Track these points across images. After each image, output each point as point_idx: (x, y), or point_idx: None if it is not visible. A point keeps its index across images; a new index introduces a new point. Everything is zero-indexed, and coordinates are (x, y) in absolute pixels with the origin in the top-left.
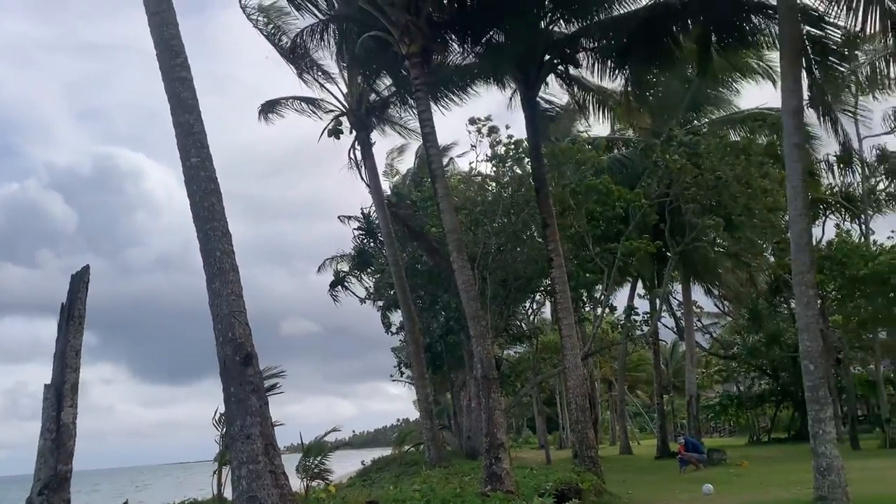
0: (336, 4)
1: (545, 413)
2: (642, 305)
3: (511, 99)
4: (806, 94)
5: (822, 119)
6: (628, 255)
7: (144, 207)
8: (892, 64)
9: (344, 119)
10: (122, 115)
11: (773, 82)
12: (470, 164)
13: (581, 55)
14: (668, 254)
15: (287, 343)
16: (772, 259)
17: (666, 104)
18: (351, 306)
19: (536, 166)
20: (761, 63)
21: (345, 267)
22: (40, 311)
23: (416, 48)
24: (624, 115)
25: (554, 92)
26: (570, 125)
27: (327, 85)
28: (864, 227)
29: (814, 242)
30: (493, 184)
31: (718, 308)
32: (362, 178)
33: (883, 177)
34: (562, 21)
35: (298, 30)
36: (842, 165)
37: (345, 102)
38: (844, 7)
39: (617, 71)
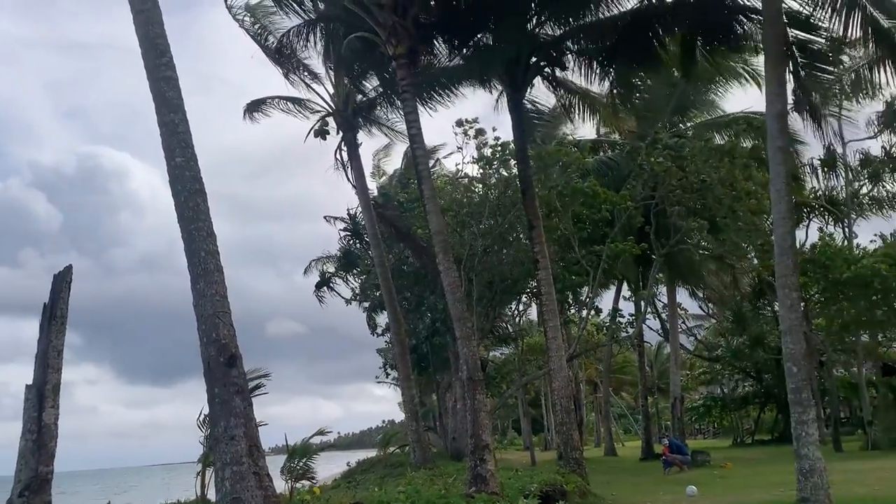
0: (322, 5)
1: (530, 414)
2: (627, 307)
3: (498, 101)
4: (791, 97)
5: (805, 121)
6: (614, 258)
7: (129, 207)
8: (875, 70)
9: (330, 119)
10: (107, 114)
11: (759, 86)
12: (456, 165)
13: (567, 58)
14: (653, 256)
15: (272, 344)
16: (755, 261)
17: (651, 107)
18: (337, 307)
19: (523, 168)
20: (747, 67)
21: (331, 268)
22: (23, 311)
23: (403, 49)
24: (610, 117)
25: (541, 94)
26: (556, 128)
27: (314, 85)
28: (847, 230)
29: (797, 246)
30: (480, 186)
31: (703, 310)
32: (348, 179)
33: (866, 181)
34: (548, 24)
35: (285, 29)
36: (826, 169)
37: (331, 103)
38: (829, 9)
39: (603, 74)
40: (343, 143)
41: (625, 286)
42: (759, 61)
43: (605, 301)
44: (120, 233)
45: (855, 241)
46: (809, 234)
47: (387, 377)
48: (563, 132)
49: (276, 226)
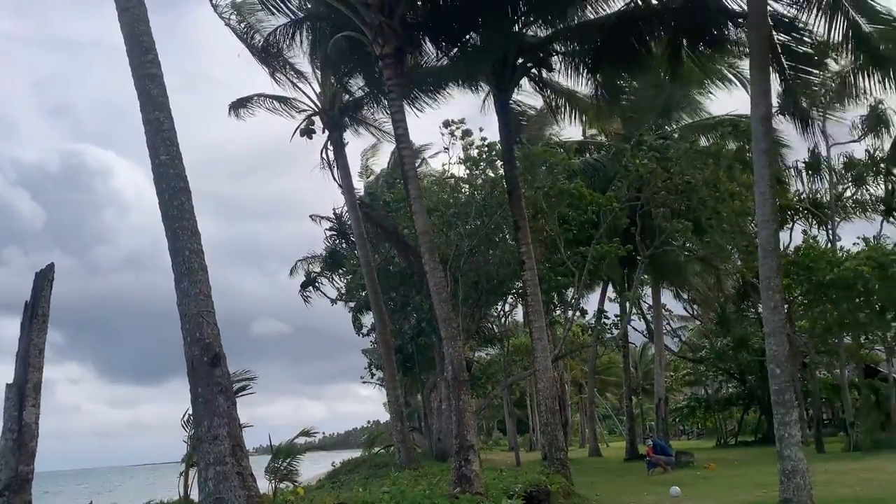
0: (308, 4)
1: (516, 415)
2: (612, 308)
3: (484, 101)
4: (776, 100)
5: (792, 123)
6: (599, 259)
7: (113, 205)
8: (858, 75)
9: (317, 119)
10: (91, 111)
11: (745, 88)
12: (443, 165)
13: (554, 59)
14: (639, 257)
15: (257, 344)
16: (739, 263)
17: (637, 109)
18: (322, 307)
19: (509, 169)
20: (733, 69)
21: (316, 268)
22: (5, 309)
23: (390, 49)
24: (596, 119)
25: (527, 95)
26: (543, 128)
27: (300, 84)
28: (830, 233)
29: (781, 248)
30: (466, 186)
31: (687, 312)
32: (335, 179)
33: (850, 184)
34: (535, 25)
35: (271, 28)
36: (810, 172)
37: (318, 102)
38: (814, 10)
39: (589, 75)
40: (329, 143)
41: (610, 287)
42: (746, 64)
43: (591, 302)
44: (104, 231)
45: (838, 244)
46: (793, 236)
47: (372, 377)
48: (549, 133)
49: (261, 225)
